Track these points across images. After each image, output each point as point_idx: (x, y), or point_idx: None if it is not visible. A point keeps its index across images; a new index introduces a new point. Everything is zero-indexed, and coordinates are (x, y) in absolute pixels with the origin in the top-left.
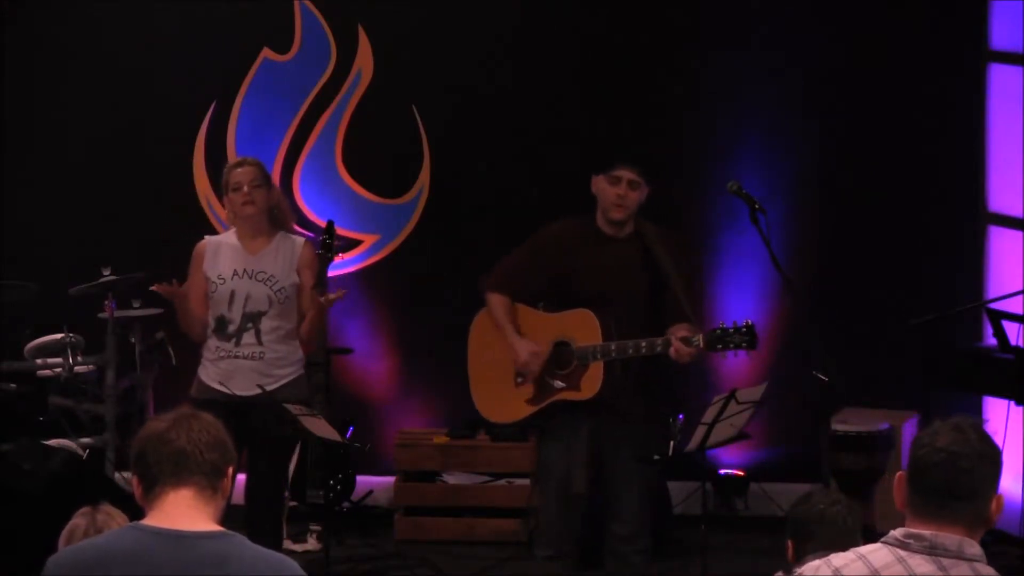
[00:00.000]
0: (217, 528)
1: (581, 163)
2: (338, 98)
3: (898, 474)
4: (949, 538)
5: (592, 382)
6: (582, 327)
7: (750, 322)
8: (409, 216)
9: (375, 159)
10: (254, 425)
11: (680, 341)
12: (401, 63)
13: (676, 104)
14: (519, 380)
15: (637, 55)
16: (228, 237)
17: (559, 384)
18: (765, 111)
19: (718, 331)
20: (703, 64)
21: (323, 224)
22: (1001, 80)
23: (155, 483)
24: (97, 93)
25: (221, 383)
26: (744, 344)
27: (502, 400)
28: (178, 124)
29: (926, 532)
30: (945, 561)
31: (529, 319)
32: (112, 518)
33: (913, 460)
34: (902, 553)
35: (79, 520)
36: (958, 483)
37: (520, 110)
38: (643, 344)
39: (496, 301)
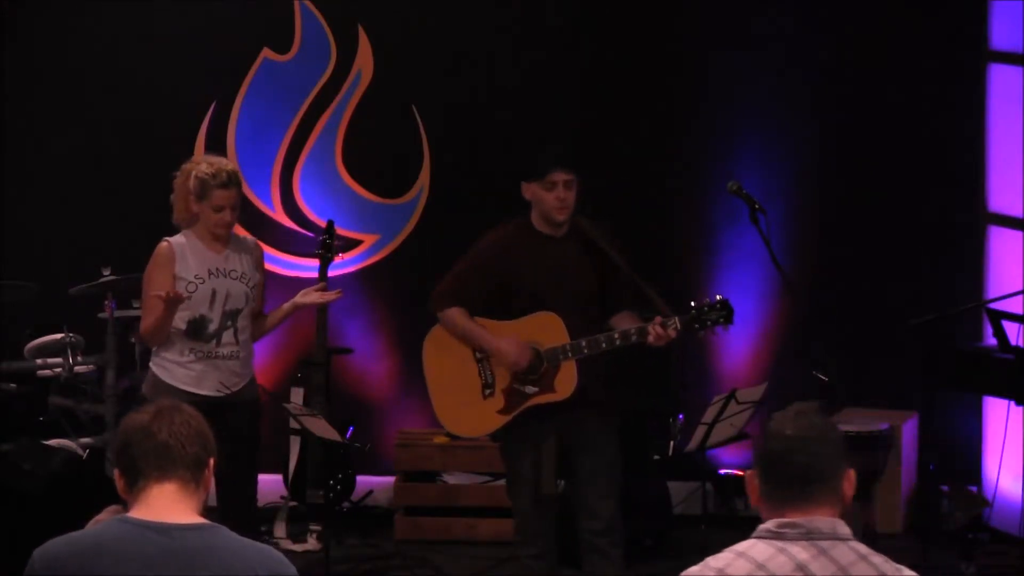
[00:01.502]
0: (202, 520)
1: (582, 162)
2: (338, 98)
3: (748, 473)
4: (822, 521)
5: (567, 382)
6: (546, 329)
7: (722, 297)
8: (409, 216)
9: (375, 159)
10: (229, 427)
11: (658, 326)
12: (401, 63)
13: (676, 104)
14: (487, 392)
15: (637, 55)
16: (187, 238)
17: (531, 389)
18: (765, 111)
19: (693, 311)
20: (703, 64)
21: (323, 224)
22: (1001, 80)
23: (139, 477)
24: (97, 93)
25: (190, 386)
26: (721, 320)
27: (471, 413)
28: (178, 124)
29: (799, 519)
30: (823, 543)
31: (489, 330)
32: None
33: (766, 454)
34: (779, 544)
35: (104, 516)
36: (814, 467)
37: (520, 110)
38: (616, 336)
39: (455, 314)
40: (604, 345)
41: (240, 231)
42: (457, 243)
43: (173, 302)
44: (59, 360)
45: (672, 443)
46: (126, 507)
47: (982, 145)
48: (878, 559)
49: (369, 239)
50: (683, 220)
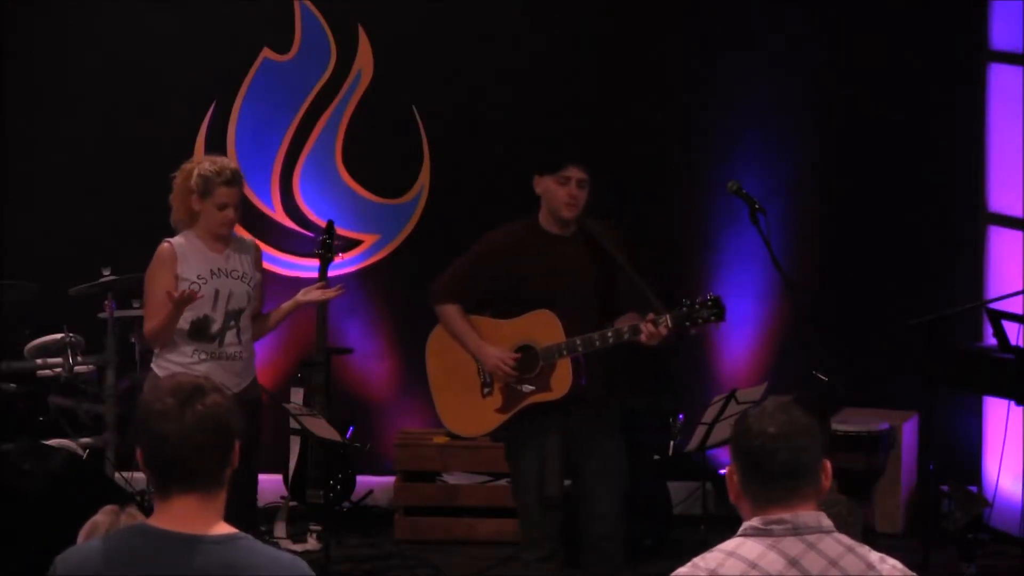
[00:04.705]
0: (227, 530)
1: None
2: (338, 98)
3: (728, 468)
4: (808, 515)
5: (562, 380)
6: (543, 328)
7: (714, 295)
8: (409, 216)
9: (375, 159)
10: None
11: (649, 323)
12: (401, 63)
13: (676, 104)
14: (486, 391)
15: (637, 56)
16: (187, 239)
17: (528, 388)
18: (765, 111)
19: (684, 308)
20: (703, 64)
21: (323, 224)
22: (1001, 80)
23: (166, 483)
24: (97, 93)
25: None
26: (713, 317)
27: (470, 413)
28: (178, 124)
29: (786, 515)
30: (810, 537)
31: (486, 328)
32: (135, 520)
33: (748, 452)
34: (769, 540)
35: (101, 517)
36: (798, 463)
37: (520, 110)
38: (609, 334)
39: (451, 312)
40: (598, 343)
41: (239, 231)
42: (457, 243)
43: (183, 302)
44: (59, 360)
45: (672, 443)
46: (123, 507)
47: (982, 145)
48: (863, 550)
49: (369, 239)
50: (683, 220)
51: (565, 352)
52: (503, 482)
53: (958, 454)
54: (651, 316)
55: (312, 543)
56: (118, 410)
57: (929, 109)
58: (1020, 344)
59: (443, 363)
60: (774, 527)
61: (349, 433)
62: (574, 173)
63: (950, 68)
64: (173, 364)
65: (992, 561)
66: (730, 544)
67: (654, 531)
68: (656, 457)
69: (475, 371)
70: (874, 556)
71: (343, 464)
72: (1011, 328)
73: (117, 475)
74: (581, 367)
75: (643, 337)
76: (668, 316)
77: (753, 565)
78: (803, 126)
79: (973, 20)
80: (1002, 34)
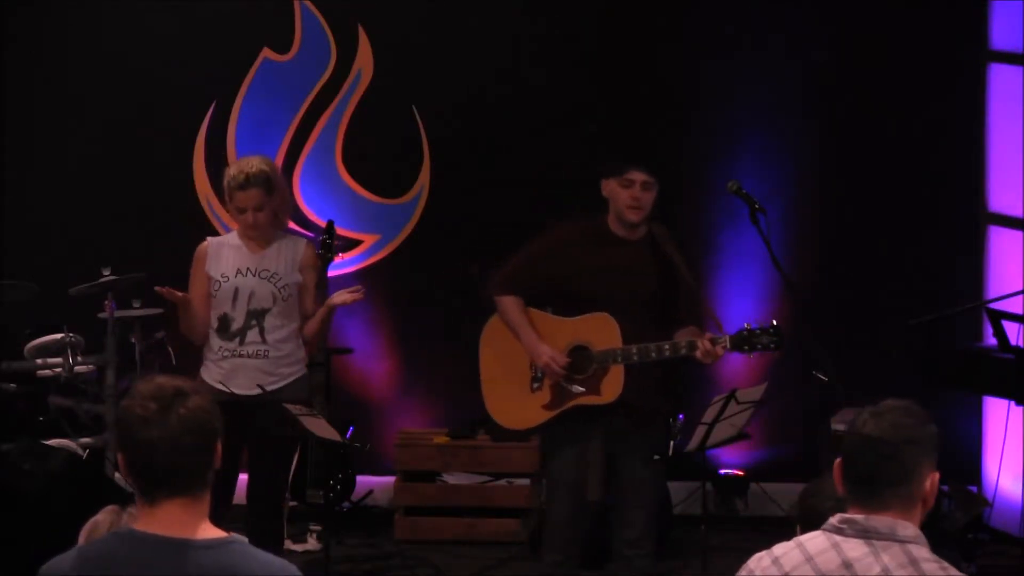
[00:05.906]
0: (217, 534)
1: (581, 162)
2: (338, 98)
3: (836, 460)
4: (881, 521)
5: (613, 385)
6: (601, 331)
7: (776, 323)
8: (409, 216)
9: (375, 159)
10: (257, 425)
11: (707, 341)
12: (401, 63)
13: (676, 104)
14: (535, 385)
15: (637, 55)
16: (230, 238)
17: (578, 389)
18: (765, 111)
19: (744, 332)
20: (703, 64)
21: (323, 224)
22: (1001, 80)
23: (150, 489)
24: (97, 93)
25: (222, 383)
26: (772, 345)
27: (518, 406)
28: (178, 124)
29: (858, 516)
30: (878, 543)
31: (544, 324)
32: (136, 520)
33: (843, 448)
34: (837, 538)
35: (102, 517)
36: (881, 469)
37: (519, 110)
38: (666, 347)
39: (510, 303)
40: (654, 354)
41: (293, 226)
42: (457, 243)
43: (181, 302)
44: (59, 360)
45: (672, 443)
46: (124, 507)
47: (982, 145)
48: (930, 565)
49: (369, 239)
50: (683, 220)
51: (620, 359)
52: (503, 482)
53: (958, 454)
54: (709, 335)
55: (312, 543)
56: (118, 410)
57: (929, 109)
58: (1020, 344)
59: (495, 353)
60: (845, 527)
61: (349, 433)
62: (637, 176)
63: (950, 68)
64: (207, 360)
65: (992, 561)
66: (807, 535)
67: (654, 531)
68: (656, 457)
69: (527, 364)
70: (940, 573)
71: (343, 464)
72: (1011, 328)
73: (117, 475)
74: (633, 375)
75: (699, 354)
76: (727, 338)
77: (809, 559)
78: (803, 126)
79: (973, 20)
80: (1002, 34)
